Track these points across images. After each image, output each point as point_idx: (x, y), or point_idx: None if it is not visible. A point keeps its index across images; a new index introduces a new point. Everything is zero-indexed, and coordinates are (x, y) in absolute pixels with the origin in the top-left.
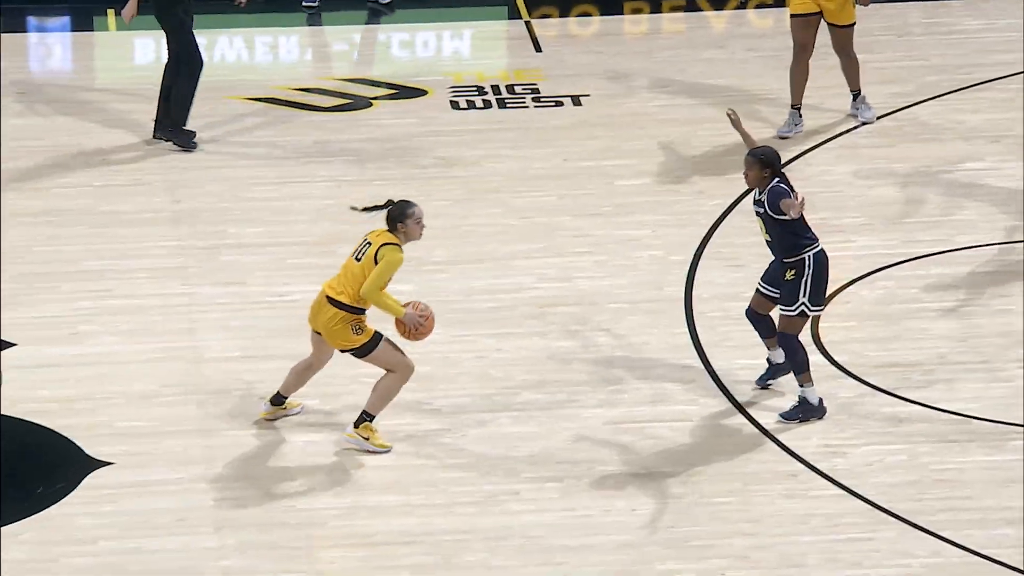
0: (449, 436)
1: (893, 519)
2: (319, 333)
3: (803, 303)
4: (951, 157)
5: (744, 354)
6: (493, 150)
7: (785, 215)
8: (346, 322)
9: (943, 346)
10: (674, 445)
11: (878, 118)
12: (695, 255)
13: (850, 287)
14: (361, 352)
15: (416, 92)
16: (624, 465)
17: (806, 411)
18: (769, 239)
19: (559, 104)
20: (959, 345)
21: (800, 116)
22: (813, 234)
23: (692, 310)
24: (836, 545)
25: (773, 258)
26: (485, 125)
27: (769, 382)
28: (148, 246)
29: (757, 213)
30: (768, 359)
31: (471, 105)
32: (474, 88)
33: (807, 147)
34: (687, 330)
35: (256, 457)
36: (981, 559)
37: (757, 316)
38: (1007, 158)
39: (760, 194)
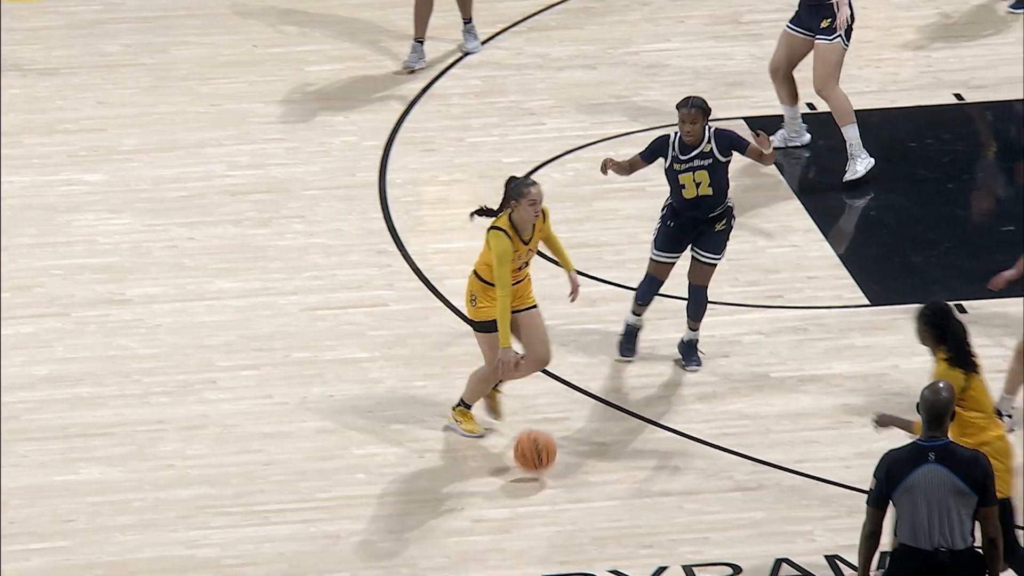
0: (143, 327)
1: (587, 397)
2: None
3: (726, 252)
4: (638, 38)
5: (438, 238)
6: (180, 36)
7: (731, 156)
8: (468, 288)
9: (634, 226)
10: (371, 331)
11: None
12: (388, 140)
13: (541, 169)
14: (474, 327)
15: None
16: (320, 351)
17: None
18: (709, 192)
19: None
20: (649, 224)
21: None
22: None
23: (386, 195)
24: (532, 425)
25: (671, 220)
26: (171, 11)
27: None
28: None
29: (696, 167)
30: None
31: None
32: None
33: (496, 30)
34: (382, 215)
35: None
36: (672, 432)
37: (657, 285)
38: (692, 39)
39: (702, 144)
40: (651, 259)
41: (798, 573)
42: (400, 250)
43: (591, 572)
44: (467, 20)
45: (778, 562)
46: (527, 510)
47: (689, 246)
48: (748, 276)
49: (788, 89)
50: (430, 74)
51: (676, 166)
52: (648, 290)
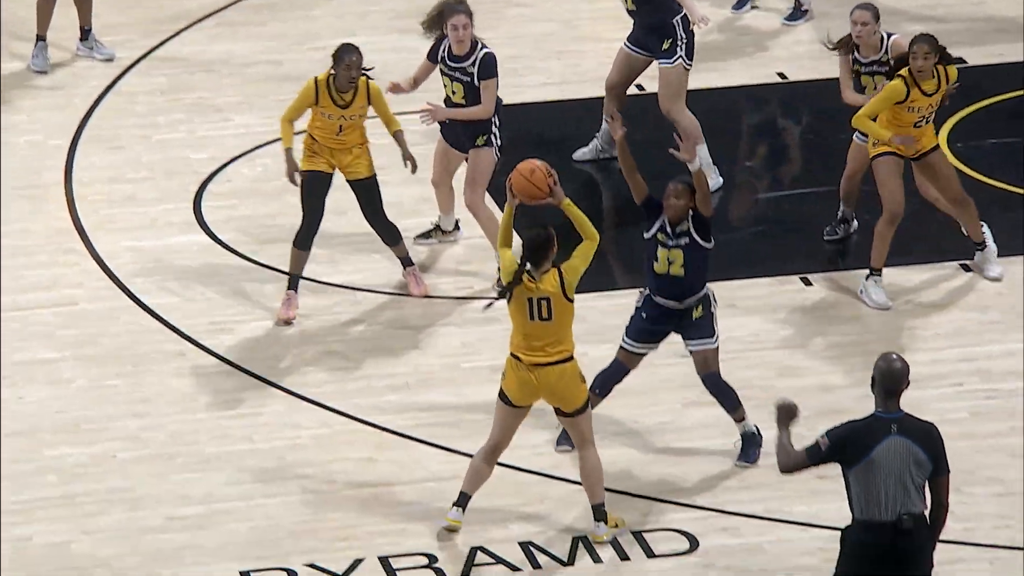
0: None
1: (281, 392)
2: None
3: (718, 333)
4: (323, 33)
5: (127, 236)
6: None
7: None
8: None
9: (324, 220)
10: (61, 330)
11: None
12: (73, 138)
13: (229, 166)
14: (583, 408)
15: None
16: (9, 352)
17: (754, 444)
18: (682, 273)
19: None
20: (339, 219)
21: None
22: None
23: (73, 194)
24: (225, 421)
25: (645, 311)
26: None
27: None
28: None
29: (673, 246)
30: None
31: None
32: None
33: (180, 27)
34: (69, 215)
35: None
36: (366, 425)
37: (622, 373)
38: (376, 33)
39: (682, 223)
40: (620, 346)
41: (492, 560)
42: (89, 249)
43: (288, 567)
44: (86, 30)
45: (473, 550)
46: (222, 506)
47: (674, 339)
48: (442, 266)
49: (619, 105)
50: (114, 71)
51: (660, 237)
52: (610, 377)
